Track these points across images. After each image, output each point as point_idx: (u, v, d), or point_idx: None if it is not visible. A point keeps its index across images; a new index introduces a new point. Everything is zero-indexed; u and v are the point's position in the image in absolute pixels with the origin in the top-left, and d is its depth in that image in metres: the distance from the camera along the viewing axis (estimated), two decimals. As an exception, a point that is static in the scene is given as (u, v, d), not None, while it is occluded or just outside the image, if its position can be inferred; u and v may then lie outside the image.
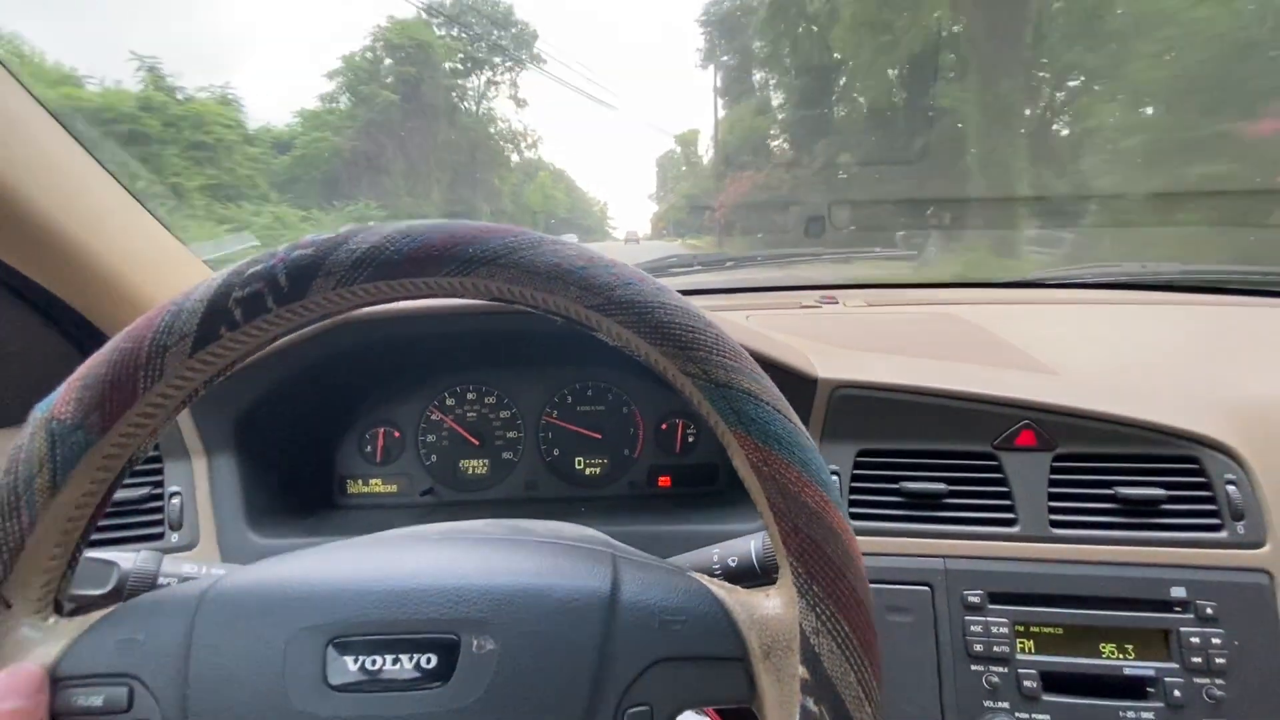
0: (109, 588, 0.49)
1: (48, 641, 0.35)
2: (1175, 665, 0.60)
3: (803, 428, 0.35)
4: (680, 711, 0.34)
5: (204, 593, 0.37)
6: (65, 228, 0.66)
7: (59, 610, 0.37)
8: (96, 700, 0.34)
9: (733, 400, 0.35)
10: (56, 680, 0.34)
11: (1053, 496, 0.67)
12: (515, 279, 0.36)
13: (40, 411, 0.35)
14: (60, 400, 0.35)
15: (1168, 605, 0.62)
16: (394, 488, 0.90)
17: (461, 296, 0.37)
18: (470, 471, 0.91)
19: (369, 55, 18.05)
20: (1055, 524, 0.66)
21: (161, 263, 0.81)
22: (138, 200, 0.77)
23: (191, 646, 0.35)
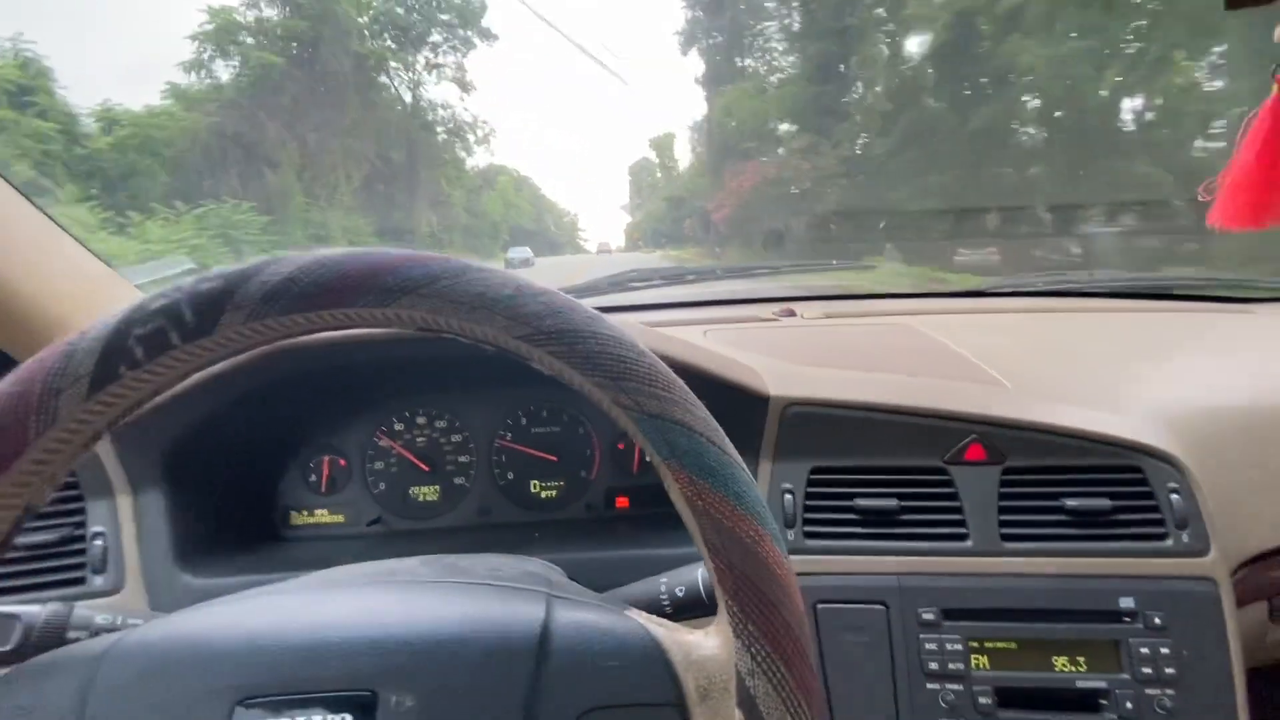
0: (11, 644, 0.46)
1: None
2: (1126, 676, 0.61)
3: (738, 459, 0.34)
4: None
5: (103, 653, 0.34)
6: None
7: None
8: None
9: (665, 432, 0.33)
10: None
11: (1003, 510, 0.67)
12: (438, 309, 0.34)
13: None
14: None
15: (1117, 616, 0.62)
16: (340, 518, 0.87)
17: (383, 328, 0.35)
18: (420, 498, 0.88)
19: (248, 8, 12.58)
20: (1006, 537, 0.66)
21: (88, 291, 0.77)
22: (56, 223, 0.73)
23: (85, 713, 0.32)
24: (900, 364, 0.87)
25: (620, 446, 0.90)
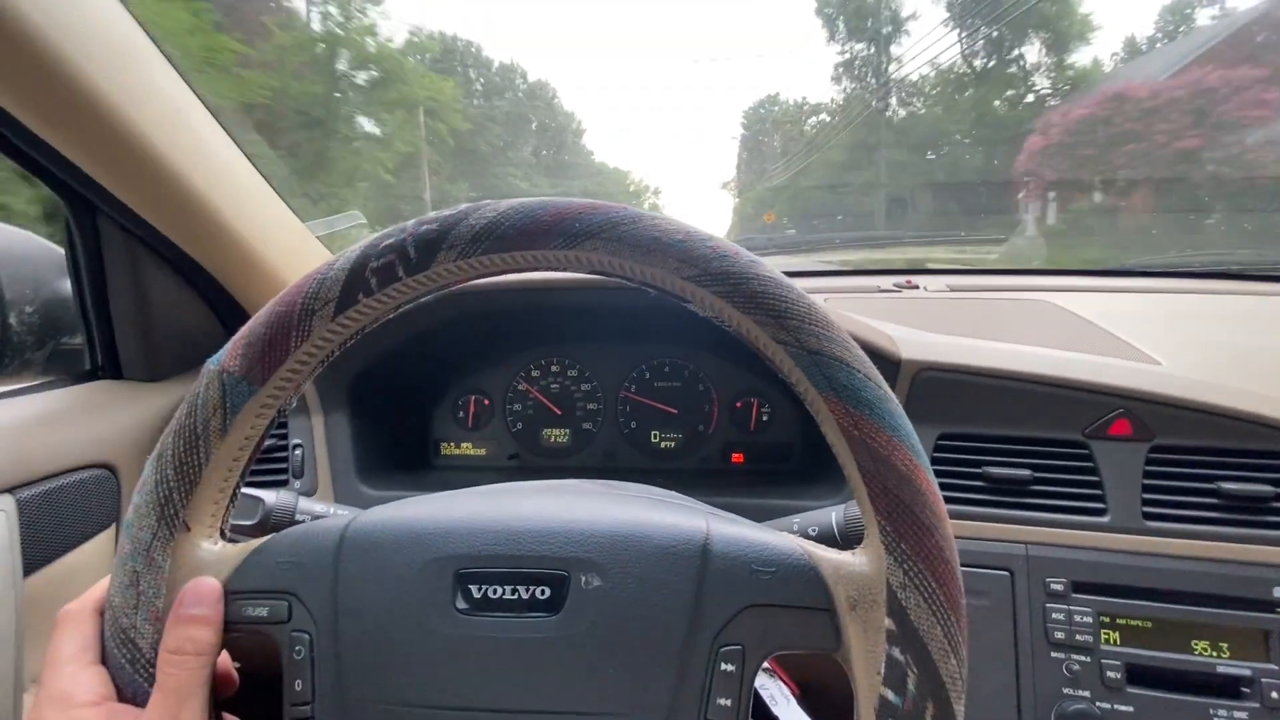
0: (256, 520, 0.56)
1: (219, 562, 0.40)
2: (1275, 667, 0.58)
3: (892, 394, 0.37)
4: (771, 654, 0.36)
5: (345, 528, 0.42)
6: (218, 210, 0.74)
7: (223, 537, 0.43)
8: (262, 611, 0.39)
9: (824, 367, 0.36)
10: (229, 594, 0.39)
11: (1147, 488, 0.65)
12: (617, 251, 0.38)
13: (213, 364, 0.40)
14: (229, 355, 0.40)
15: (1269, 605, 0.59)
16: (483, 451, 0.97)
17: (567, 269, 0.40)
18: (552, 440, 0.97)
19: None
20: (1149, 516, 0.64)
21: (283, 238, 0.89)
22: (267, 181, 0.85)
23: (338, 571, 0.40)
24: (1037, 337, 0.85)
25: (739, 405, 0.94)
